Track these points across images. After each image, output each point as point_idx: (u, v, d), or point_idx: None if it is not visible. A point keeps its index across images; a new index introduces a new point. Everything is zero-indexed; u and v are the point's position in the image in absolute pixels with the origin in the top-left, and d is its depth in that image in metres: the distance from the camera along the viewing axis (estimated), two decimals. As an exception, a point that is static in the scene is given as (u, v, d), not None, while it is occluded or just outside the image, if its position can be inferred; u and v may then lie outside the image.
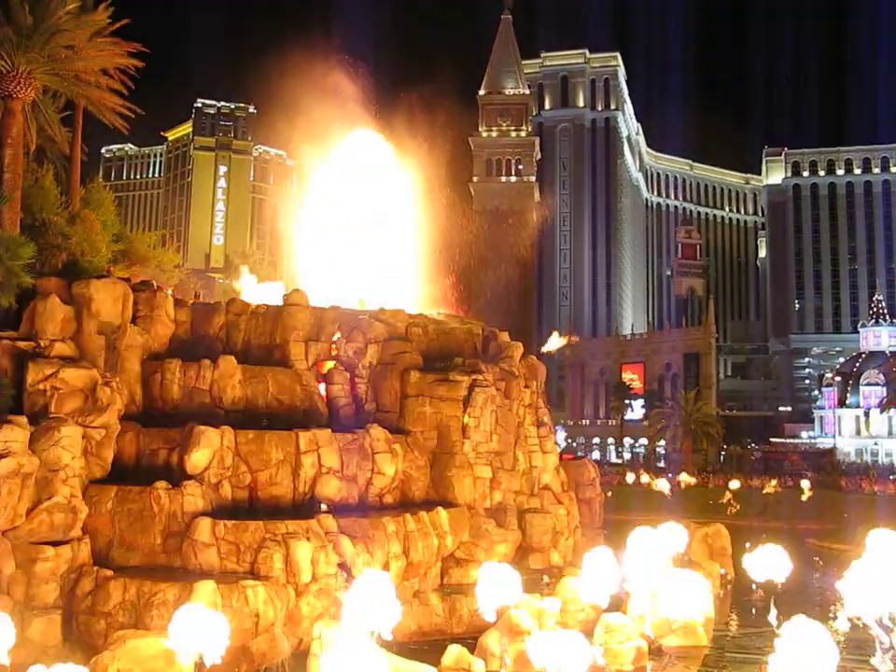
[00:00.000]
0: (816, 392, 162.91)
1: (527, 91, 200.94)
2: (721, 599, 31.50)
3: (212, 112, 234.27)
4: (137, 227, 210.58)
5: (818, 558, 41.47)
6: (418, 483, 28.60)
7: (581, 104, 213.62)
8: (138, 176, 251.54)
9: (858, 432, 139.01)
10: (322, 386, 30.07)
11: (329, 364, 30.47)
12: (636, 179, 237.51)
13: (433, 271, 42.63)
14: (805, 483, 70.18)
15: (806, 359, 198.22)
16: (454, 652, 20.09)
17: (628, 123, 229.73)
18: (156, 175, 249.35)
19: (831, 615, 30.91)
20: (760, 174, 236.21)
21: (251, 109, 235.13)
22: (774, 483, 74.38)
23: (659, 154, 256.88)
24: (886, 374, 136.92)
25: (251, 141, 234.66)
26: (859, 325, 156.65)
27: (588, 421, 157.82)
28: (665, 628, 24.96)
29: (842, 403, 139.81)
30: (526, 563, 29.64)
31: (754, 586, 28.33)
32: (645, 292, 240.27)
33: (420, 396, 29.55)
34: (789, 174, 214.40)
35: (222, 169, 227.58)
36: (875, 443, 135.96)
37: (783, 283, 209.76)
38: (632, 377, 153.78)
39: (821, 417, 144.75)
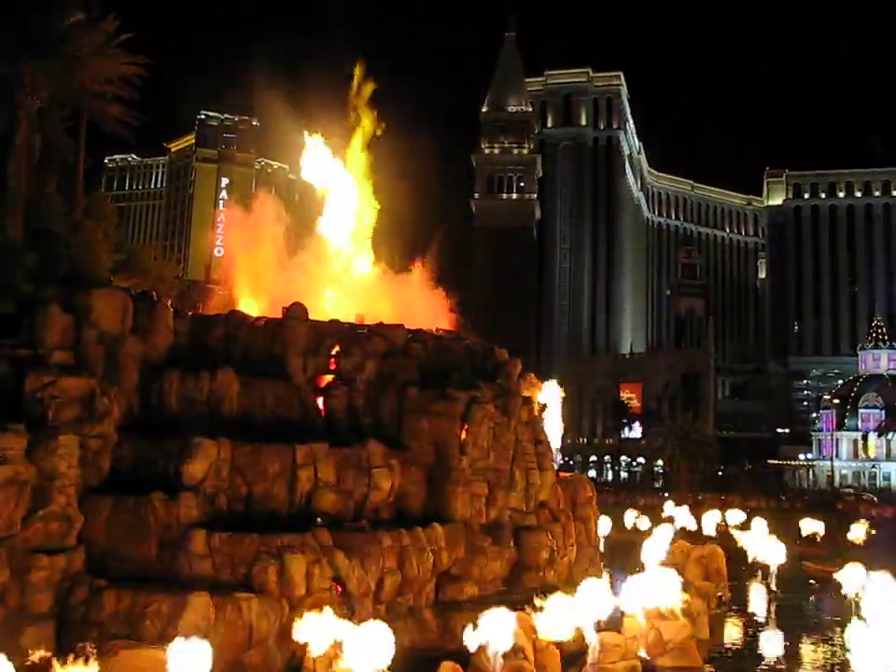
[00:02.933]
0: (814, 414, 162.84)
1: (530, 109, 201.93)
2: (716, 620, 31.48)
3: (215, 124, 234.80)
4: (139, 237, 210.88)
5: (813, 581, 41.45)
6: (414, 498, 28.53)
7: (584, 122, 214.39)
8: (140, 187, 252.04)
9: (856, 455, 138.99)
10: (320, 400, 30.05)
11: (328, 378, 30.45)
12: (637, 198, 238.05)
13: (433, 286, 42.67)
14: None
15: (805, 381, 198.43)
16: (447, 668, 20.08)
17: (630, 142, 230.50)
18: (158, 185, 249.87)
19: (825, 637, 30.92)
20: (761, 195, 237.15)
21: (254, 122, 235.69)
22: None
23: (660, 174, 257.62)
24: (884, 397, 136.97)
25: (253, 153, 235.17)
26: (858, 347, 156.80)
27: (585, 439, 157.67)
28: (659, 648, 24.93)
29: (840, 426, 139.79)
30: (521, 580, 29.56)
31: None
32: (644, 311, 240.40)
33: (418, 411, 29.49)
34: (790, 195, 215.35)
35: (224, 181, 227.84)
36: (874, 466, 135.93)
37: (782, 304, 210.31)
38: (630, 396, 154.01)
39: (819, 440, 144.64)
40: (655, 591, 25.45)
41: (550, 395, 36.92)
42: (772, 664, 27.61)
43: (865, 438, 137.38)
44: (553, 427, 36.97)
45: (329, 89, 44.56)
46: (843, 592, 32.01)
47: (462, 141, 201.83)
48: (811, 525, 52.01)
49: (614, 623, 25.68)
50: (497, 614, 20.37)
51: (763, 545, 40.95)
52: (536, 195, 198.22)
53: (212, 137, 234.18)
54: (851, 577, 31.43)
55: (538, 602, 22.74)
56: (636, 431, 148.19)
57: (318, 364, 30.50)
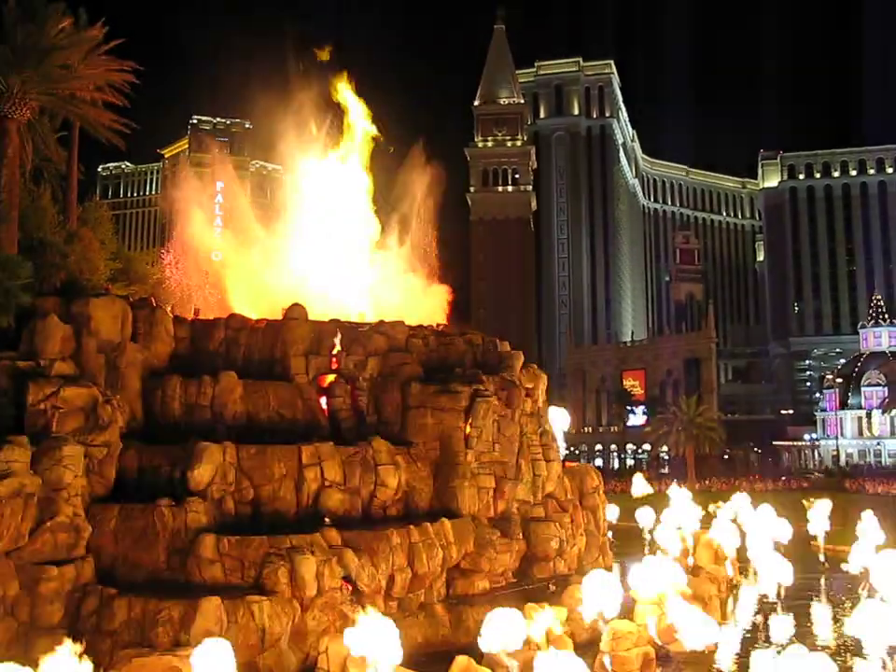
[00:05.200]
0: (817, 394, 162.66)
1: (522, 101, 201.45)
2: (727, 603, 31.47)
3: (208, 128, 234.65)
4: (136, 244, 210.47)
5: (823, 561, 41.37)
6: (421, 494, 28.53)
7: (576, 111, 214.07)
8: (135, 194, 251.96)
9: (860, 433, 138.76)
10: (323, 400, 30.03)
11: (330, 377, 30.42)
12: (632, 186, 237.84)
13: (432, 282, 42.62)
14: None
15: (807, 361, 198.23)
16: (461, 663, 20.05)
17: (623, 130, 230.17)
18: (153, 192, 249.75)
19: (837, 618, 30.88)
20: (756, 177, 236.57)
21: (247, 125, 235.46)
22: None
23: (655, 160, 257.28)
24: (887, 375, 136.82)
25: (247, 156, 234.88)
26: (858, 326, 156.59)
27: (590, 428, 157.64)
28: (671, 633, 24.89)
29: (843, 405, 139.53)
30: (532, 572, 29.58)
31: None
32: (644, 298, 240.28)
33: (421, 407, 29.48)
34: (785, 177, 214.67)
35: (219, 185, 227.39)
36: (878, 444, 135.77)
37: (782, 286, 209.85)
38: (633, 384, 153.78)
39: (823, 419, 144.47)
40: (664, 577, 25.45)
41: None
42: (784, 644, 27.53)
43: (869, 415, 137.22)
44: (558, 418, 37.01)
45: (319, 87, 44.38)
46: (851, 570, 32.02)
47: (456, 134, 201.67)
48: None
49: (625, 611, 25.65)
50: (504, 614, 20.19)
51: (772, 529, 40.86)
52: (531, 186, 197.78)
53: (205, 141, 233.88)
54: (860, 554, 31.41)
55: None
56: (640, 418, 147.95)
57: (320, 364, 30.48)
